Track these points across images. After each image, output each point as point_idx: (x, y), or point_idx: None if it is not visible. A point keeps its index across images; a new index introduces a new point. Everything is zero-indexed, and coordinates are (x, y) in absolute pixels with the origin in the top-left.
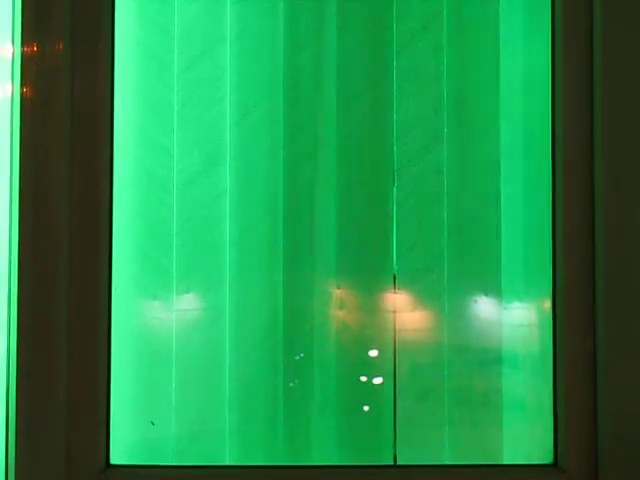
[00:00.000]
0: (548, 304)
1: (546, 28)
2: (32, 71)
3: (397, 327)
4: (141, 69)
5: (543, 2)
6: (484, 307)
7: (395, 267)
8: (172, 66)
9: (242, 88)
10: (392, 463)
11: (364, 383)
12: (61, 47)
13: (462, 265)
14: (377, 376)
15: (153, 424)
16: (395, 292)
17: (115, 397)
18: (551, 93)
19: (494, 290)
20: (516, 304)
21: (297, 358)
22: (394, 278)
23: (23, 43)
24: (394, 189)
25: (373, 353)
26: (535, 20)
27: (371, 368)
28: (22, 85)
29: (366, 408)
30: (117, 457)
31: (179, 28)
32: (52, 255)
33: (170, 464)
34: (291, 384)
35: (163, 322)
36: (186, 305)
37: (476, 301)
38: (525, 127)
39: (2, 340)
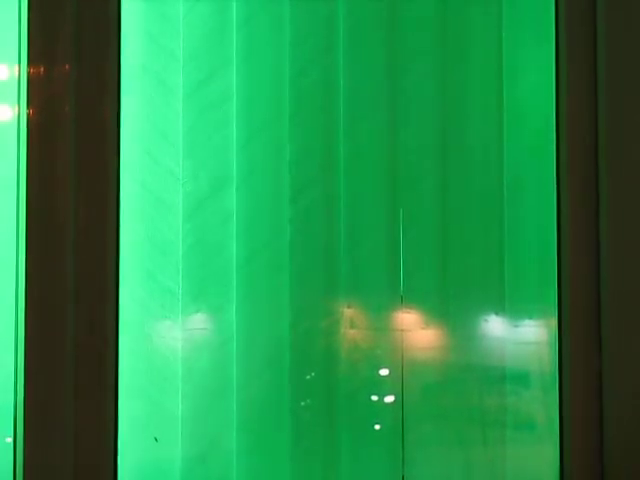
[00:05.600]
0: (555, 322)
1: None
2: (38, 93)
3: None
4: (147, 92)
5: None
6: (491, 325)
7: (402, 287)
8: (178, 90)
9: (248, 111)
10: None
11: (373, 402)
12: (67, 69)
13: (468, 284)
14: (385, 395)
15: (156, 440)
16: (403, 311)
17: (122, 419)
18: (555, 117)
19: (500, 309)
20: (524, 322)
21: (308, 377)
22: (401, 298)
23: (29, 65)
24: (401, 210)
25: (381, 372)
26: (538, 41)
27: (379, 387)
28: (28, 107)
29: (377, 427)
30: (124, 478)
31: (185, 52)
32: (59, 278)
33: None
34: (302, 403)
35: (171, 343)
36: (194, 326)
37: (486, 320)
38: (530, 149)
39: (10, 369)
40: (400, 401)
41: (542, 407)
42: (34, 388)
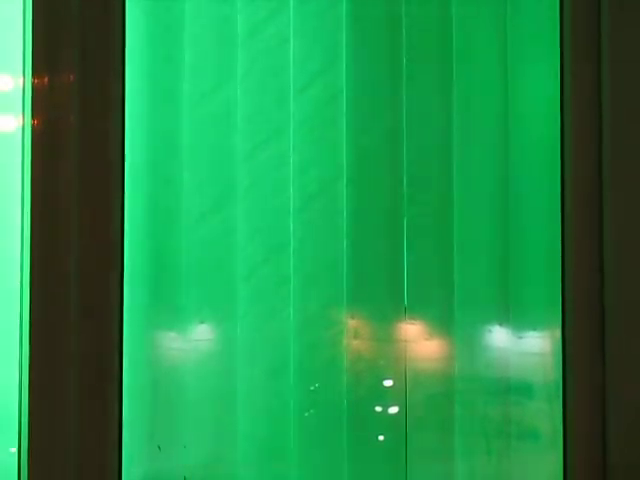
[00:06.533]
0: (559, 333)
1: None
2: (42, 103)
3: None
4: (151, 102)
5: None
6: (496, 336)
7: (406, 298)
8: (183, 100)
9: (252, 123)
10: None
11: (376, 413)
12: (71, 79)
13: (472, 295)
14: (389, 405)
15: (160, 449)
16: (406, 322)
17: (127, 429)
18: (560, 121)
19: (504, 320)
20: (528, 333)
21: (312, 388)
22: (405, 309)
23: (34, 75)
24: (404, 220)
25: (385, 383)
26: (543, 42)
27: (383, 397)
28: (33, 117)
29: (380, 438)
30: None
31: (190, 62)
32: (63, 289)
33: None
34: (306, 414)
35: (175, 354)
36: (198, 337)
37: (490, 331)
38: (535, 159)
39: (14, 380)
40: (404, 412)
41: (546, 418)
42: (38, 398)
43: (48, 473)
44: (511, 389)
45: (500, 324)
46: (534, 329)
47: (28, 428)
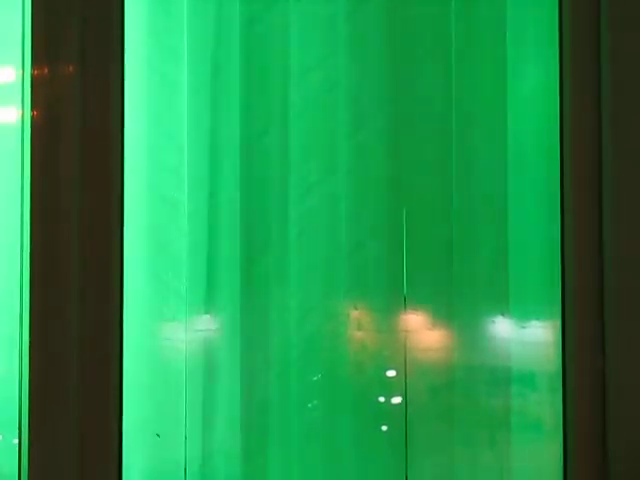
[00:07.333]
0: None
1: (554, 50)
2: (42, 94)
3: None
4: (151, 91)
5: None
6: (497, 326)
7: (406, 288)
8: (182, 88)
9: (251, 113)
10: None
11: (377, 403)
12: (71, 70)
13: (472, 285)
14: (389, 396)
15: (159, 436)
16: (407, 313)
17: (127, 419)
18: (559, 116)
19: (505, 310)
20: (530, 323)
21: (315, 379)
22: (404, 299)
23: (33, 66)
24: (404, 210)
25: (386, 373)
26: (542, 42)
27: (383, 388)
28: (32, 108)
29: (382, 428)
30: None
31: (189, 51)
32: (63, 279)
33: None
34: (309, 405)
35: (176, 344)
36: (199, 327)
37: (491, 321)
38: (535, 149)
39: (15, 371)
40: (404, 402)
41: (548, 408)
42: (39, 390)
43: (49, 463)
44: (512, 379)
45: (502, 314)
46: (537, 319)
47: (29, 419)
